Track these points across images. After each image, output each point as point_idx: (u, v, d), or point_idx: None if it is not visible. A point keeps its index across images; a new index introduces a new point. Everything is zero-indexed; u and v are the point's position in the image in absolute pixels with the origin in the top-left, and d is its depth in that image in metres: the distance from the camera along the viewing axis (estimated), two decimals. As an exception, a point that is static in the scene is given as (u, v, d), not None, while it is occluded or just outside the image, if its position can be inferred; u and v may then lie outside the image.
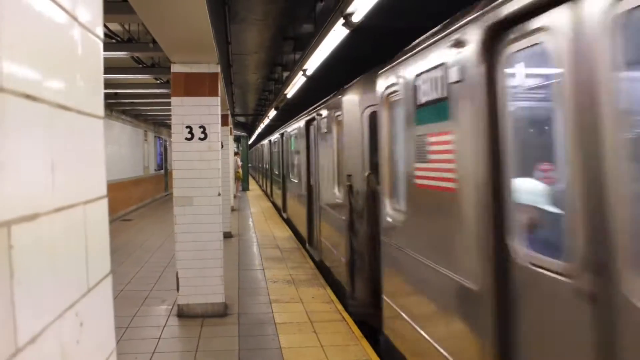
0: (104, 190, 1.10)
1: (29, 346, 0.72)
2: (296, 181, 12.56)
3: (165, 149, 26.95)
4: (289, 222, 14.76)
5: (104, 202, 1.11)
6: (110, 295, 1.15)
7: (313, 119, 9.63)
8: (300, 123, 11.64)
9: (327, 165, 8.14)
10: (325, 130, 8.19)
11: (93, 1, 1.06)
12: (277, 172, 18.64)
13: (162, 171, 25.95)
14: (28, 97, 0.75)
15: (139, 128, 20.64)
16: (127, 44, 8.66)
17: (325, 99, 8.40)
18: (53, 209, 0.82)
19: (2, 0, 0.68)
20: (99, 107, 1.08)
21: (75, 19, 0.96)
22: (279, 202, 17.68)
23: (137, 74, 10.78)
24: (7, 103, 0.69)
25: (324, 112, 8.36)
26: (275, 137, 19.75)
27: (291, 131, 13.80)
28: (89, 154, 1.03)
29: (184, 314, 6.57)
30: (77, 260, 0.95)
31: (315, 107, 9.41)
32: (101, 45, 1.12)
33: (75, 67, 0.96)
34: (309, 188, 10.49)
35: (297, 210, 12.63)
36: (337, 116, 7.15)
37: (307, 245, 10.82)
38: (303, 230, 11.42)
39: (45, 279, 0.79)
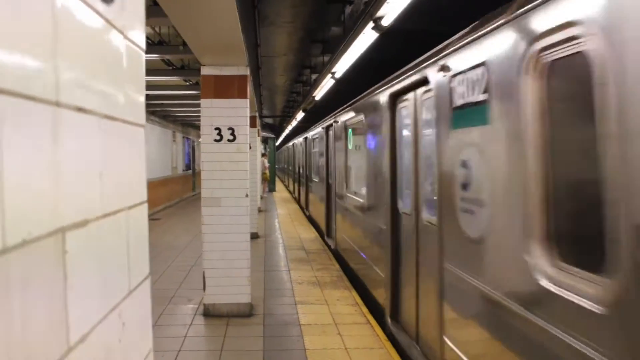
0: (144, 196, 1.15)
1: (79, 345, 0.76)
2: (359, 200, 7.86)
3: (193, 149, 27.24)
4: (338, 256, 10.00)
5: (145, 207, 1.15)
6: (149, 296, 1.19)
7: (415, 84, 5.06)
8: (374, 100, 6.83)
9: (482, 179, 3.50)
10: (477, 99, 3.54)
11: (137, 16, 1.11)
12: (317, 180, 14.03)
13: (190, 171, 26.23)
14: (79, 109, 0.79)
15: (167, 129, 20.90)
16: (158, 46, 8.83)
17: (471, 27, 3.88)
18: (101, 215, 0.87)
19: (58, 21, 0.72)
20: (141, 116, 1.13)
21: (121, 32, 1.01)
22: (320, 220, 13.17)
23: (167, 75, 10.96)
24: (62, 117, 0.73)
25: (476, 56, 3.56)
26: (314, 132, 14.73)
27: (349, 120, 8.76)
28: (132, 160, 1.08)
29: (209, 313, 6.65)
30: (121, 263, 0.99)
31: (434, 55, 4.51)
32: (143, 56, 1.16)
33: (121, 79, 1.01)
34: (394, 218, 5.96)
35: (362, 249, 7.83)
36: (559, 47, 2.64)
37: (387, 319, 6.09)
38: (377, 290, 6.76)
39: (93, 282, 0.84)
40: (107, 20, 0.92)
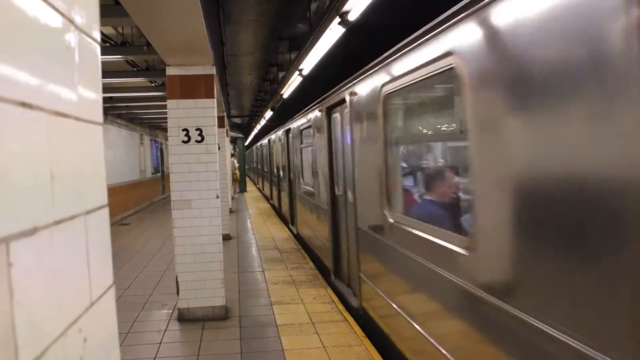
0: (104, 199, 1.06)
1: (32, 368, 0.68)
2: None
3: (162, 151, 26.87)
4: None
5: (105, 211, 1.07)
6: (114, 307, 1.11)
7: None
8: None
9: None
10: None
11: (89, 4, 1.02)
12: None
13: (159, 174, 25.87)
14: (24, 105, 0.71)
15: (134, 132, 20.56)
16: (121, 47, 8.63)
17: None
18: (53, 222, 0.78)
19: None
20: (97, 113, 1.04)
21: (72, 22, 0.92)
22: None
23: (132, 77, 10.74)
24: (2, 112, 0.65)
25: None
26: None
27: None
28: (89, 161, 0.99)
29: (184, 318, 6.53)
30: (80, 274, 0.91)
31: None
32: (99, 49, 1.08)
33: (73, 73, 0.93)
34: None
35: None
36: None
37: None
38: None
39: (46, 296, 0.75)
40: (55, 8, 0.84)
